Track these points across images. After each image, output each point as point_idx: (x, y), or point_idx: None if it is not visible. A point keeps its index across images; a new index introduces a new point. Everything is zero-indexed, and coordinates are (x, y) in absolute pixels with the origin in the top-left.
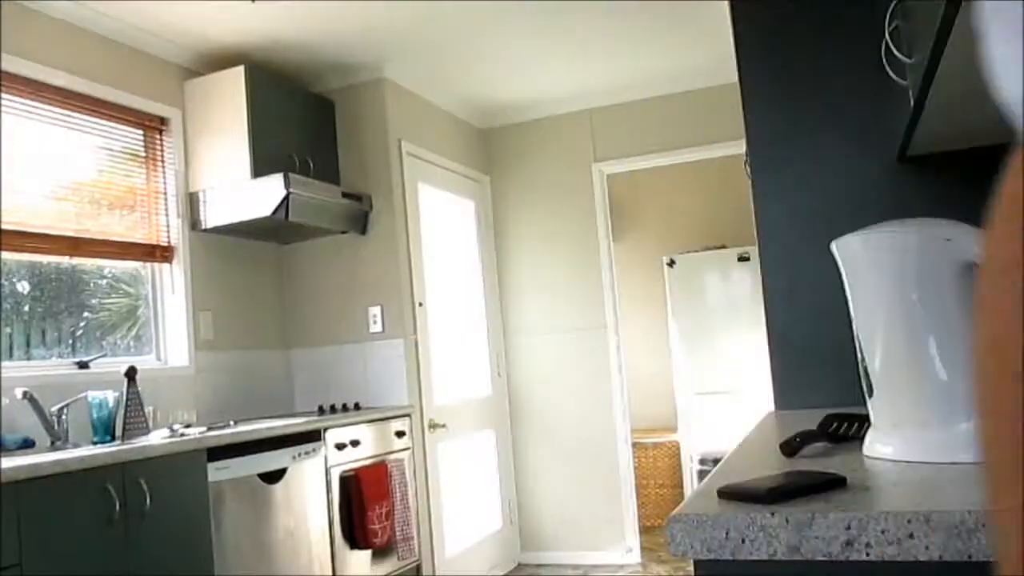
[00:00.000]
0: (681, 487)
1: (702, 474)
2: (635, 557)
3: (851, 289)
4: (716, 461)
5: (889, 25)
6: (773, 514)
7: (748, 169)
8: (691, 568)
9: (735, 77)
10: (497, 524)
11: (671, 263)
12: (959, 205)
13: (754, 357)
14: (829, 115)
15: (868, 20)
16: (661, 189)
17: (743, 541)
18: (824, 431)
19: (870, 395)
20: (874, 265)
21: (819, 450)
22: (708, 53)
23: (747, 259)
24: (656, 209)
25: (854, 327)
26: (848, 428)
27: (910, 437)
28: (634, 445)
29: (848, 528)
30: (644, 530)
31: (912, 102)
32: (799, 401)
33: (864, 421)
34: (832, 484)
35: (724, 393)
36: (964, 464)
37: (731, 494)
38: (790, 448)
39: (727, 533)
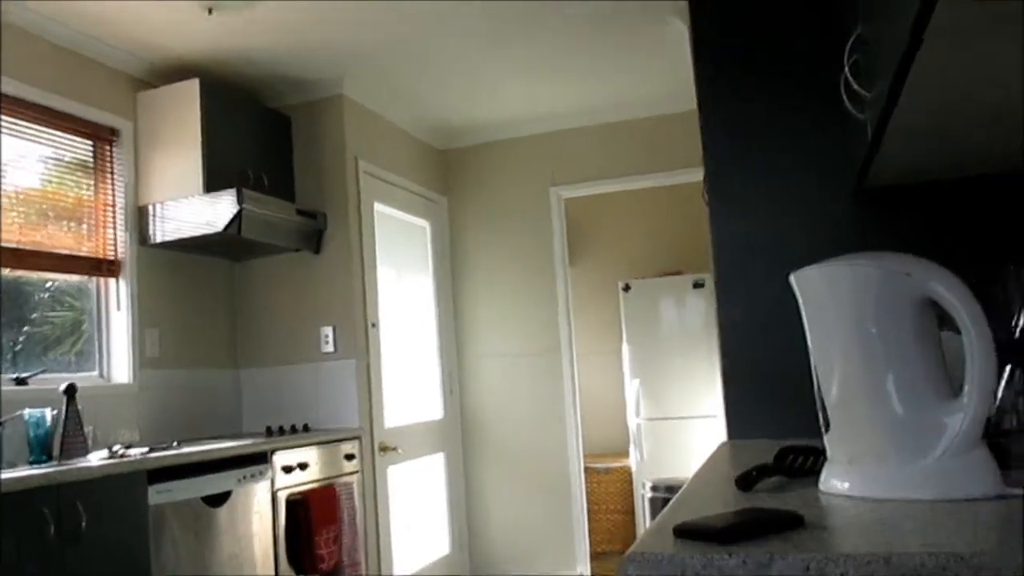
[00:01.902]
0: (632, 513)
1: (653, 501)
2: None
3: (809, 322)
4: (669, 488)
5: (848, 59)
6: (730, 555)
7: (705, 197)
8: None
9: (694, 105)
10: (446, 549)
11: (626, 288)
12: (916, 238)
13: (707, 384)
14: (787, 145)
15: (828, 53)
16: (618, 214)
17: None
18: (780, 464)
19: (826, 429)
20: (832, 298)
21: (775, 484)
22: (668, 80)
23: (702, 286)
24: (612, 234)
25: (812, 360)
26: (804, 462)
27: (866, 473)
28: (586, 470)
29: (807, 570)
30: (595, 556)
31: (870, 135)
32: (753, 431)
33: (820, 454)
34: (790, 523)
35: (676, 419)
36: (920, 501)
37: (687, 532)
38: (746, 482)
39: (682, 573)
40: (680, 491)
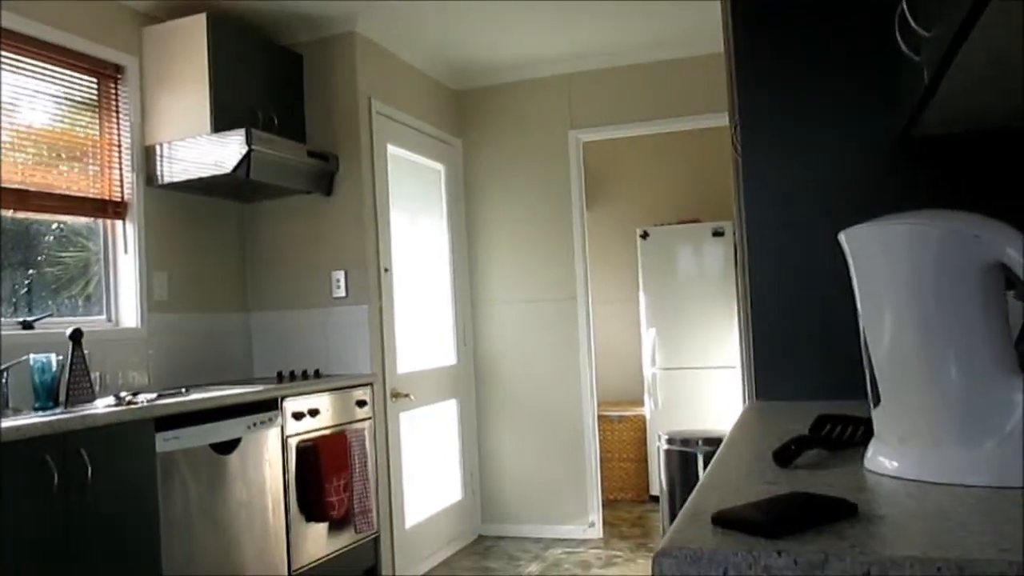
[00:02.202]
0: (645, 462)
1: (668, 454)
2: (597, 532)
3: (859, 284)
4: (684, 441)
5: None
6: (779, 553)
7: (735, 145)
8: (652, 544)
9: (719, 47)
10: (458, 495)
11: (644, 235)
12: (968, 192)
13: (724, 335)
14: (827, 89)
15: None
16: (637, 159)
17: None
18: (818, 436)
19: (875, 403)
20: (887, 261)
21: (815, 459)
22: (693, 21)
23: (721, 234)
24: (631, 180)
25: (861, 327)
26: (842, 432)
27: (920, 454)
28: (599, 418)
29: (867, 574)
30: (606, 503)
31: (927, 80)
32: (780, 391)
33: (860, 424)
34: (842, 511)
35: (692, 369)
36: (980, 488)
37: (728, 522)
38: (784, 457)
39: (724, 573)
40: (711, 465)
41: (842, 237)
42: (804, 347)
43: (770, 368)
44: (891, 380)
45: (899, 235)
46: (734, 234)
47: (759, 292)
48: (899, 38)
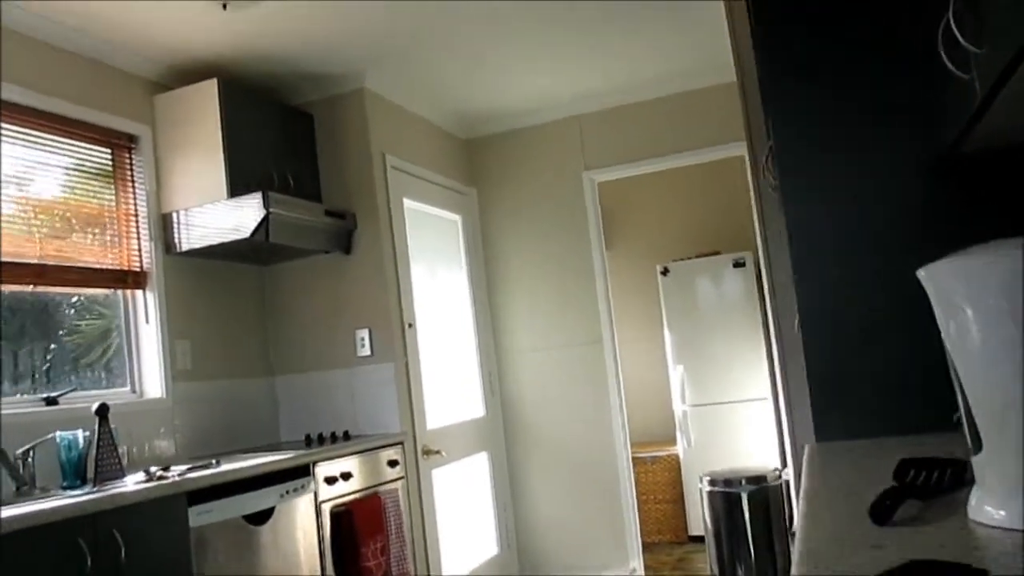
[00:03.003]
0: (682, 502)
1: (712, 496)
2: None
3: (947, 323)
4: (727, 482)
5: (953, 6)
6: None
7: (766, 173)
8: None
9: (728, 77)
10: (494, 550)
11: (665, 271)
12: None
13: (752, 366)
14: (867, 107)
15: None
16: (650, 195)
17: None
18: (909, 484)
19: (976, 449)
20: (978, 297)
21: (911, 511)
22: (699, 52)
23: (742, 265)
24: (645, 217)
25: (953, 367)
26: (928, 478)
27: None
28: (632, 460)
29: None
30: (645, 547)
31: (980, 97)
32: (840, 432)
33: (946, 467)
34: None
35: (723, 404)
36: None
37: None
38: (882, 514)
39: None
40: (800, 522)
41: (922, 274)
42: (861, 383)
43: (828, 408)
44: (993, 423)
45: (989, 269)
46: (756, 263)
47: (810, 329)
48: (943, 55)
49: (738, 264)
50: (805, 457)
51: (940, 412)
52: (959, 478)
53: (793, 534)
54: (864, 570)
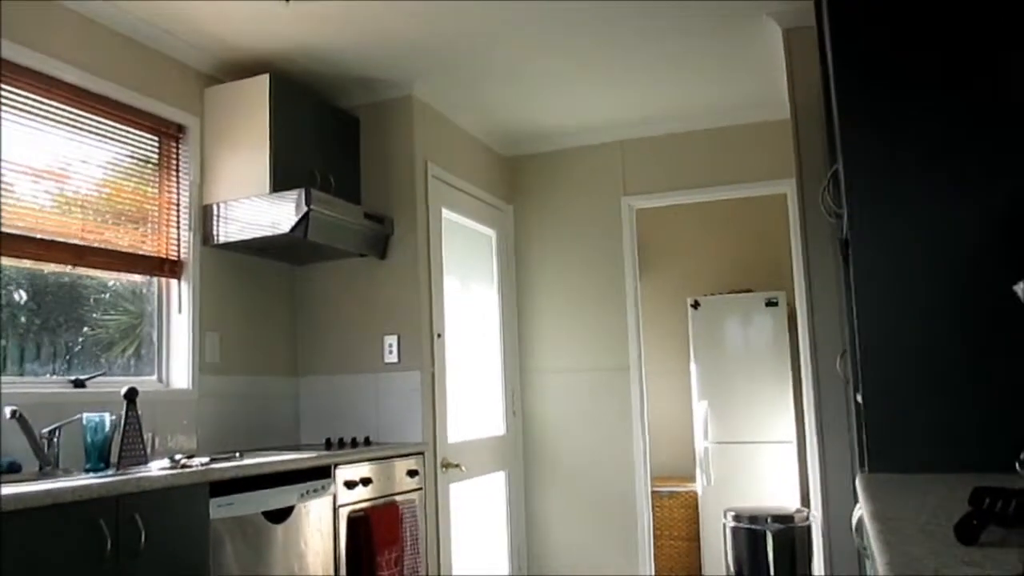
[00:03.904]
0: (698, 540)
1: (736, 532)
2: None
3: None
4: (752, 519)
5: None
6: None
7: (827, 202)
8: None
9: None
10: (505, 570)
11: (695, 305)
12: None
13: (778, 408)
14: (947, 142)
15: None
16: (686, 227)
17: None
18: (981, 508)
19: None
20: None
21: (996, 537)
22: (752, 87)
23: (775, 304)
24: (681, 248)
25: None
26: (1007, 506)
27: None
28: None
29: None
30: None
31: None
32: (893, 465)
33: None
34: None
35: (746, 443)
36: None
37: None
38: (969, 534)
39: None
40: (877, 543)
41: (1020, 288)
42: (918, 419)
43: (882, 440)
44: None
45: None
46: (789, 303)
47: (869, 360)
48: None
49: (771, 303)
50: (859, 483)
51: (1001, 453)
52: None
53: None
54: None
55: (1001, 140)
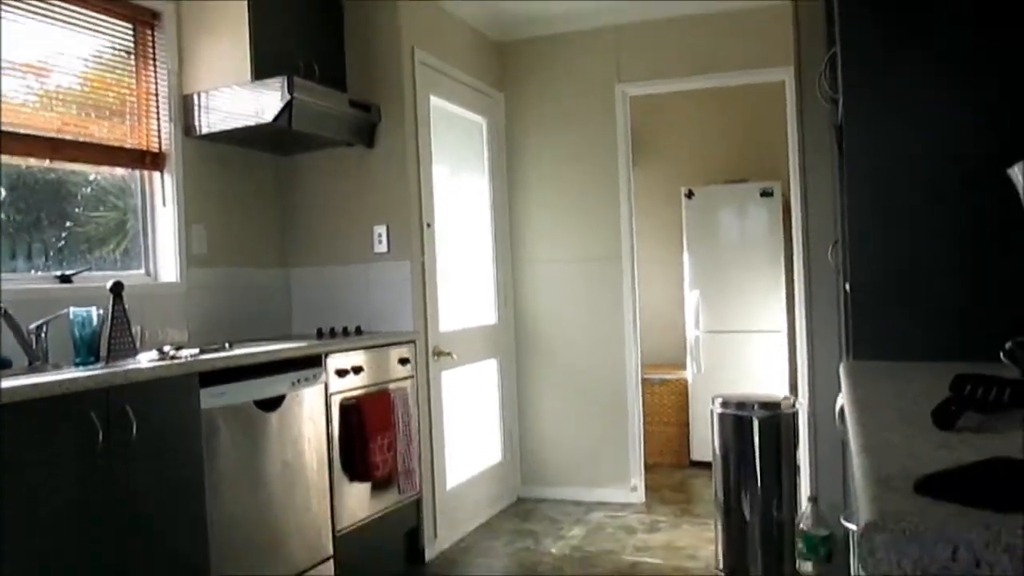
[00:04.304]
0: (687, 426)
1: (723, 418)
2: (639, 496)
3: None
4: (740, 405)
5: None
6: None
7: (823, 88)
8: (696, 509)
9: None
10: (497, 457)
11: (689, 194)
12: None
13: (769, 298)
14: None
15: None
16: (682, 116)
17: (978, 565)
18: (961, 394)
19: None
20: None
21: (973, 422)
22: None
23: (769, 194)
24: (676, 137)
25: None
26: (988, 393)
27: None
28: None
29: None
30: (646, 468)
31: None
32: (877, 353)
33: (1005, 386)
34: None
35: (736, 332)
36: None
37: (941, 490)
38: (946, 419)
39: (955, 552)
40: (853, 427)
41: (1017, 171)
42: (905, 306)
43: (865, 328)
44: None
45: None
46: (784, 194)
47: (857, 250)
48: None
49: (765, 193)
50: (843, 370)
51: (986, 342)
52: (1021, 397)
53: (798, 467)
54: (935, 468)
55: (999, 37)
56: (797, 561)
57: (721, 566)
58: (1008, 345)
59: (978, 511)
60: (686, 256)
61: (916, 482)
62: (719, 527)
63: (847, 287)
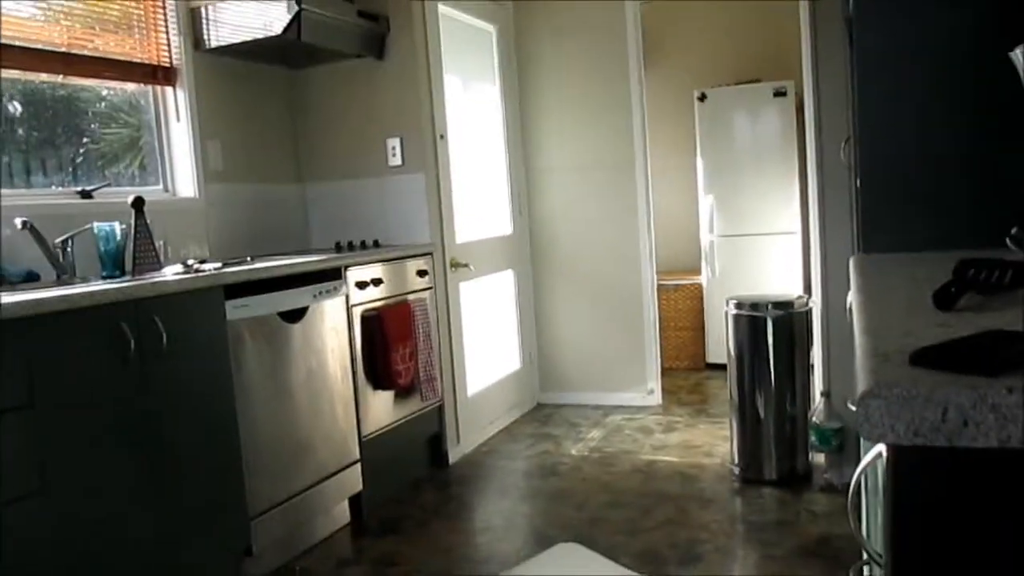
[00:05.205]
0: (703, 330)
1: (737, 319)
2: (656, 399)
3: None
4: (753, 306)
5: None
6: (1010, 391)
7: None
8: (711, 410)
9: None
10: (516, 364)
11: (702, 97)
12: None
13: (783, 200)
14: None
15: None
16: (693, 17)
17: (965, 424)
18: (965, 279)
19: None
20: None
21: (973, 302)
22: None
23: (783, 94)
24: (688, 39)
25: None
26: (990, 275)
27: None
28: (656, 286)
29: None
30: (662, 372)
31: None
32: (887, 246)
33: (1007, 268)
34: None
35: (751, 235)
36: None
37: (933, 361)
38: (946, 300)
39: (944, 413)
40: (858, 311)
41: (1018, 53)
42: (913, 199)
43: (876, 221)
44: None
45: None
46: (797, 93)
47: (869, 142)
48: None
49: (779, 93)
50: (852, 263)
51: (991, 230)
52: (1022, 277)
53: (812, 365)
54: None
55: None
56: (810, 453)
57: (736, 461)
58: (1013, 231)
59: (968, 377)
60: (699, 160)
61: (911, 355)
62: (734, 425)
63: (857, 182)
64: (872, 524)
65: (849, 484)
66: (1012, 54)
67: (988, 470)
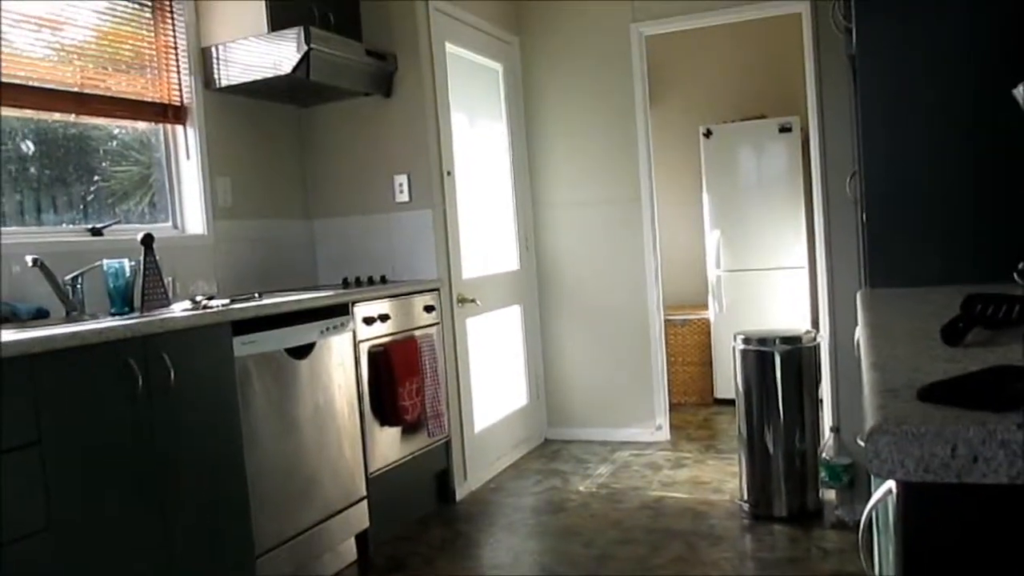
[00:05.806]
0: (710, 366)
1: (745, 354)
2: (664, 434)
3: None
4: (761, 340)
5: None
6: (1020, 427)
7: (837, 18)
8: (720, 445)
9: None
10: (523, 400)
11: (707, 134)
12: None
13: (790, 235)
14: None
15: None
16: (699, 53)
17: (975, 460)
18: (972, 312)
19: None
20: None
21: (982, 337)
22: None
23: (788, 130)
24: (693, 75)
25: None
26: (996, 311)
27: None
28: (663, 321)
29: None
30: (670, 407)
31: None
32: (894, 281)
33: (1015, 303)
34: None
35: (758, 271)
36: None
37: (941, 397)
38: (954, 335)
39: (953, 449)
40: (865, 347)
41: (1021, 90)
42: (919, 233)
43: (882, 256)
44: None
45: None
46: (803, 129)
47: (872, 179)
48: None
49: (784, 129)
50: (860, 297)
51: (998, 264)
52: None
53: (820, 400)
54: (971, 382)
55: None
56: (820, 490)
57: (745, 497)
58: (1020, 265)
59: (975, 413)
60: (705, 196)
61: (920, 390)
62: (743, 461)
63: (863, 217)
64: (884, 561)
65: (860, 520)
66: (1015, 91)
67: (999, 506)
